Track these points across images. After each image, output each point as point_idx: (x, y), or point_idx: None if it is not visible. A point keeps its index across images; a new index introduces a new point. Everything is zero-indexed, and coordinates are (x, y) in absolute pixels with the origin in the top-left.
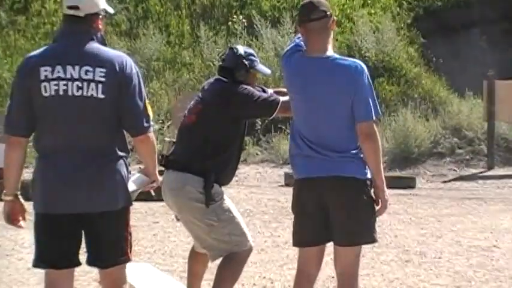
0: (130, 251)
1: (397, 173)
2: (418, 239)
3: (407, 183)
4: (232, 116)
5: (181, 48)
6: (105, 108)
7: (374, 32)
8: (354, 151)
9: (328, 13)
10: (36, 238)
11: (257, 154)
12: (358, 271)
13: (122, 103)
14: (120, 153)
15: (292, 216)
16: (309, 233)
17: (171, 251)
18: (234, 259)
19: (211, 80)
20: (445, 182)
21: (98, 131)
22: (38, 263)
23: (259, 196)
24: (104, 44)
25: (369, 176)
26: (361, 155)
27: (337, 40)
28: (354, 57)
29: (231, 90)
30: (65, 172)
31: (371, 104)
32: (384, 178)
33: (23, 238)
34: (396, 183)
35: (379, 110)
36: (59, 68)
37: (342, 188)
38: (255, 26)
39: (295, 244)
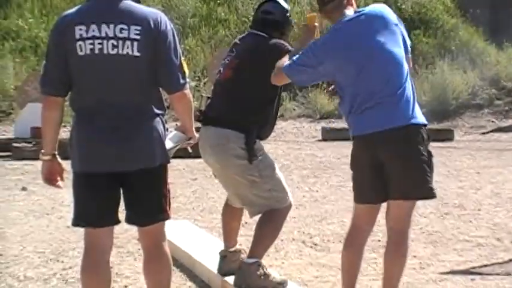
0: (169, 208)
1: (435, 126)
2: (457, 191)
3: (445, 136)
4: (271, 72)
5: (216, 5)
6: (141, 66)
7: None
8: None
9: None
10: (75, 197)
11: (294, 109)
12: (410, 227)
13: (158, 60)
14: (157, 111)
15: (330, 171)
16: (368, 192)
17: (210, 208)
18: (274, 215)
19: (245, 35)
20: (483, 133)
21: (134, 89)
22: (77, 221)
23: (296, 151)
24: (138, 1)
25: (422, 121)
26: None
27: None
28: None
29: (270, 45)
30: (102, 130)
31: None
32: None
33: (63, 197)
34: (434, 135)
35: None
36: (93, 26)
37: (398, 140)
38: None
39: (357, 201)
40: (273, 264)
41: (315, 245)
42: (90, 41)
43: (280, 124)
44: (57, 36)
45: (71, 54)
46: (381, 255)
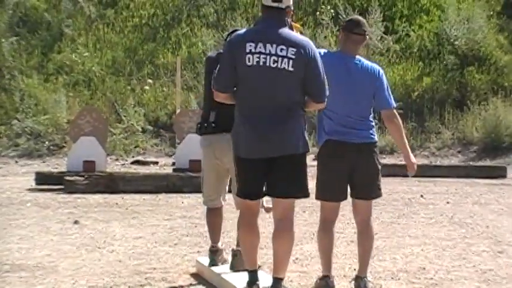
0: (307, 189)
1: (487, 163)
2: (511, 229)
3: (498, 173)
4: None
5: None
6: (292, 79)
7: (464, 21)
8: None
9: (366, 33)
10: (238, 176)
11: None
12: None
13: (308, 76)
14: (301, 112)
15: (382, 207)
16: (339, 193)
17: (261, 243)
18: None
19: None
20: None
21: (285, 94)
22: (239, 193)
23: None
24: (291, 29)
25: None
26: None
27: (425, 29)
28: (443, 45)
29: None
30: (260, 126)
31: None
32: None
33: (114, 231)
34: (487, 172)
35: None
36: (260, 44)
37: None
38: (341, 17)
39: (326, 200)
40: None
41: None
42: (257, 55)
43: None
44: (232, 49)
45: (240, 63)
46: None
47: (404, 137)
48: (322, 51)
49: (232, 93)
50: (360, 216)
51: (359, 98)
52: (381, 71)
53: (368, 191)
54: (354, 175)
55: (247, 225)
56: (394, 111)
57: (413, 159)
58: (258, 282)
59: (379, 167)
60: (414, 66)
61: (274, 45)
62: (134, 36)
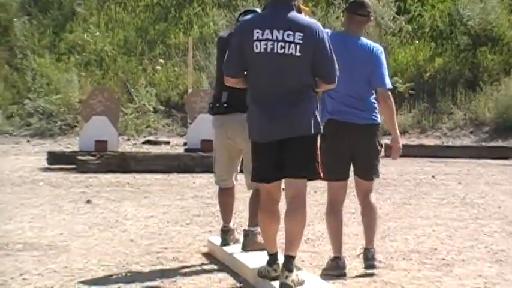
0: (319, 170)
1: (499, 143)
2: None
3: (510, 154)
4: None
5: None
6: (301, 63)
7: (477, 1)
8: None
9: (370, 14)
10: (253, 160)
11: None
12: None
13: (317, 58)
14: (313, 93)
15: (393, 188)
16: (343, 171)
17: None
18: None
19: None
20: None
21: (297, 78)
22: (254, 179)
23: None
24: (299, 12)
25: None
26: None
27: (438, 9)
28: (455, 26)
29: None
30: (271, 108)
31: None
32: None
33: (126, 210)
34: (499, 153)
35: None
36: (267, 31)
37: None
38: None
39: (331, 179)
40: (335, 281)
41: (378, 262)
42: (264, 42)
43: None
44: (240, 36)
45: (249, 50)
46: (445, 274)
47: (395, 120)
48: (326, 31)
49: (243, 77)
50: (362, 193)
51: (358, 77)
52: (380, 49)
53: (368, 173)
54: (354, 156)
55: (269, 212)
56: (389, 92)
57: (400, 144)
58: (277, 262)
59: (379, 148)
60: (426, 47)
61: (281, 31)
62: (146, 16)
